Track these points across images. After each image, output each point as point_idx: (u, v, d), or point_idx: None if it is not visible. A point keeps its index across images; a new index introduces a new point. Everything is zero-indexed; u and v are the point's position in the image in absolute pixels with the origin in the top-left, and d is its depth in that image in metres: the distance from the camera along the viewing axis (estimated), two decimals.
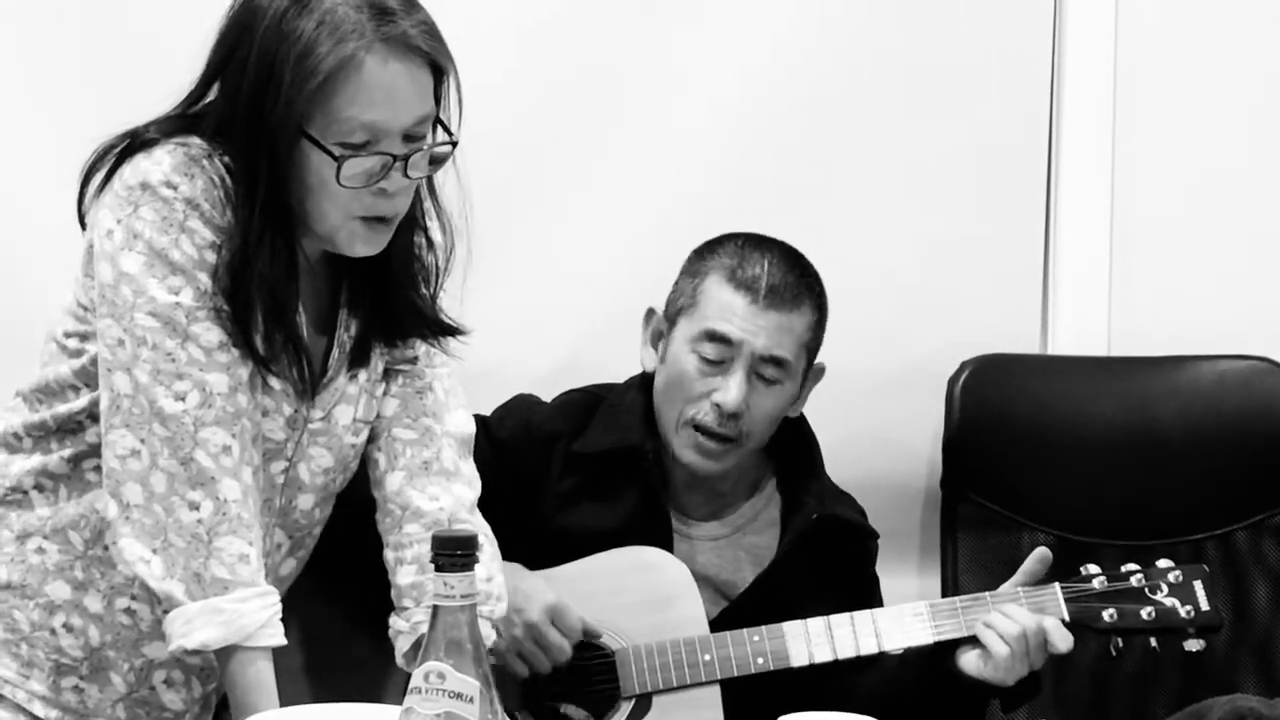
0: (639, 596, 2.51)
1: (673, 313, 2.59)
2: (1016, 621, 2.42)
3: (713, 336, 2.53)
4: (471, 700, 1.59)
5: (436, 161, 2.09)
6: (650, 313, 2.64)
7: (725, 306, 2.53)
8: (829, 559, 2.61)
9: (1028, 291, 3.13)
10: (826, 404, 2.73)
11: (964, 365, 3.04)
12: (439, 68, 2.06)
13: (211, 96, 2.08)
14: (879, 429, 3.08)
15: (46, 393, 2.14)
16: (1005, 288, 3.12)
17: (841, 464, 2.75)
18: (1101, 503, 2.99)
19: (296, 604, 2.11)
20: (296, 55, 1.98)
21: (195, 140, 2.05)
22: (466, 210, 2.18)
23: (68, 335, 2.13)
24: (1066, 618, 2.46)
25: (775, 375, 2.54)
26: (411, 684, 1.61)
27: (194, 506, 2.01)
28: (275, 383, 2.10)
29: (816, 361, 2.63)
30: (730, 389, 2.52)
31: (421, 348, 2.25)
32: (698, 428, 2.54)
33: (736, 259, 2.55)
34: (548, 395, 2.71)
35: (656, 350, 2.62)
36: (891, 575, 2.79)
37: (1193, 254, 3.15)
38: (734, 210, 2.74)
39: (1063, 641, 2.42)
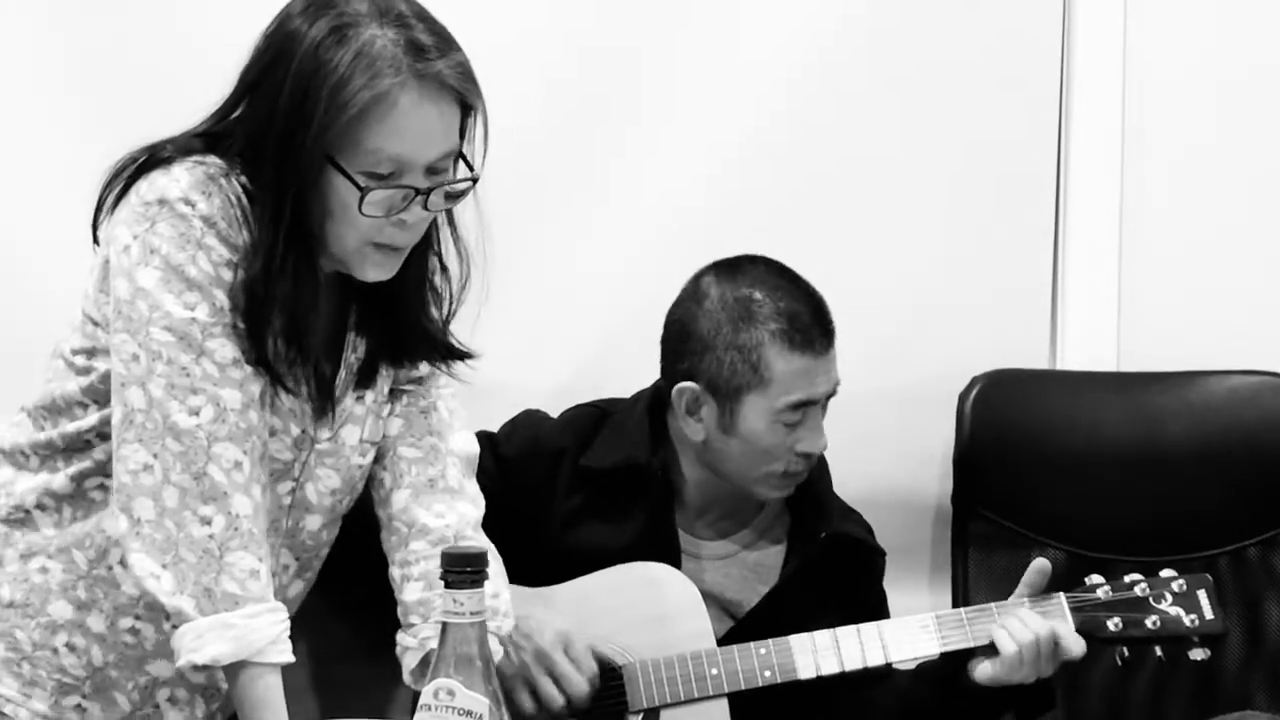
0: (645, 612, 2.51)
1: (731, 388, 2.53)
2: (1029, 627, 2.42)
3: (800, 405, 2.53)
4: (481, 718, 1.59)
5: (455, 196, 2.10)
6: (681, 391, 2.56)
7: (801, 373, 2.52)
8: (836, 577, 2.61)
9: (1037, 307, 3.13)
10: (837, 419, 2.72)
11: (974, 381, 3.04)
12: (467, 105, 2.06)
13: (237, 115, 2.08)
14: (889, 444, 3.07)
15: (53, 410, 2.14)
16: (1015, 303, 3.12)
17: (852, 479, 2.74)
18: (1112, 518, 2.98)
19: (302, 622, 2.10)
20: (331, 86, 1.98)
21: (213, 159, 2.06)
22: (484, 241, 2.17)
23: (75, 352, 2.12)
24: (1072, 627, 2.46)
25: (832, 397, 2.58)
26: (421, 701, 1.62)
27: (206, 521, 2.01)
28: (285, 401, 2.11)
29: None
30: (820, 438, 2.55)
31: (427, 368, 2.25)
32: (791, 475, 2.56)
33: (782, 319, 2.52)
34: (555, 411, 2.71)
35: (697, 419, 2.57)
36: (902, 591, 2.79)
37: (1202, 269, 3.15)
38: (739, 227, 2.74)
39: (1075, 645, 2.42)
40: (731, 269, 2.58)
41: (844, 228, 3.06)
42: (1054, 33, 3.12)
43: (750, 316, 2.53)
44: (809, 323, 2.52)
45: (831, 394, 2.56)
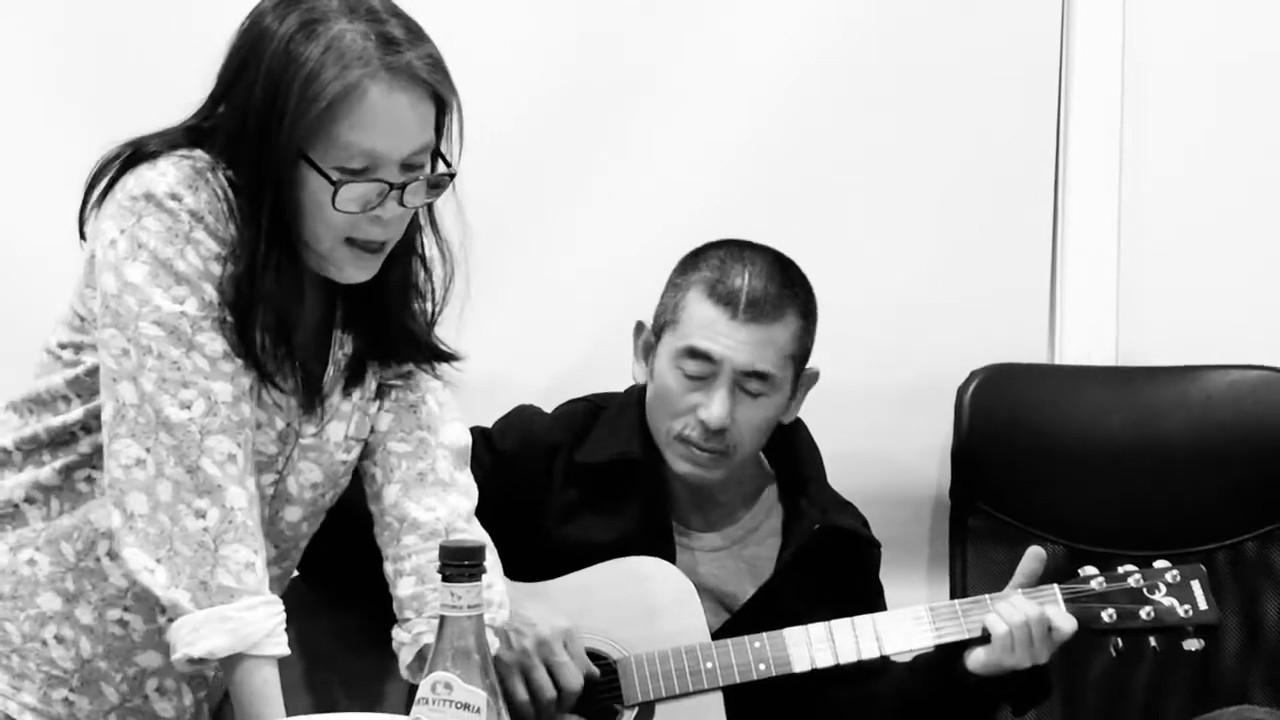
0: (638, 606, 2.51)
1: (658, 326, 2.58)
2: (1019, 609, 2.42)
3: (694, 353, 2.51)
4: (479, 711, 1.59)
5: (433, 191, 2.09)
6: (640, 326, 2.63)
7: (705, 323, 2.51)
8: (830, 569, 2.61)
9: (1036, 301, 3.13)
10: (835, 414, 2.73)
11: (973, 375, 3.04)
12: (441, 99, 2.06)
13: (216, 114, 2.08)
14: (888, 439, 3.07)
15: (38, 403, 2.14)
16: (1013, 297, 3.12)
17: (850, 474, 2.74)
18: (1110, 513, 2.98)
19: (295, 617, 2.09)
20: (302, 80, 1.98)
21: (199, 153, 2.06)
22: (466, 241, 2.18)
23: (63, 346, 2.12)
24: None
25: (759, 389, 2.53)
26: (419, 694, 1.61)
27: (200, 514, 2.00)
28: (270, 396, 2.10)
29: (810, 367, 2.61)
30: (713, 406, 2.50)
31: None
32: (686, 441, 2.54)
33: (717, 272, 2.53)
34: (549, 406, 2.71)
35: (647, 363, 2.60)
36: (900, 585, 2.78)
37: (1201, 263, 3.15)
38: (736, 222, 2.73)
39: (1066, 623, 2.42)
40: (742, 243, 2.59)
41: (844, 223, 3.06)
42: (1053, 29, 3.12)
43: (695, 262, 2.57)
44: (739, 287, 2.51)
45: (741, 371, 2.50)
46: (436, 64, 2.05)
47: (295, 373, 2.10)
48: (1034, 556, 2.50)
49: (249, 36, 2.04)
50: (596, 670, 2.44)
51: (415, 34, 2.05)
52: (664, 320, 2.57)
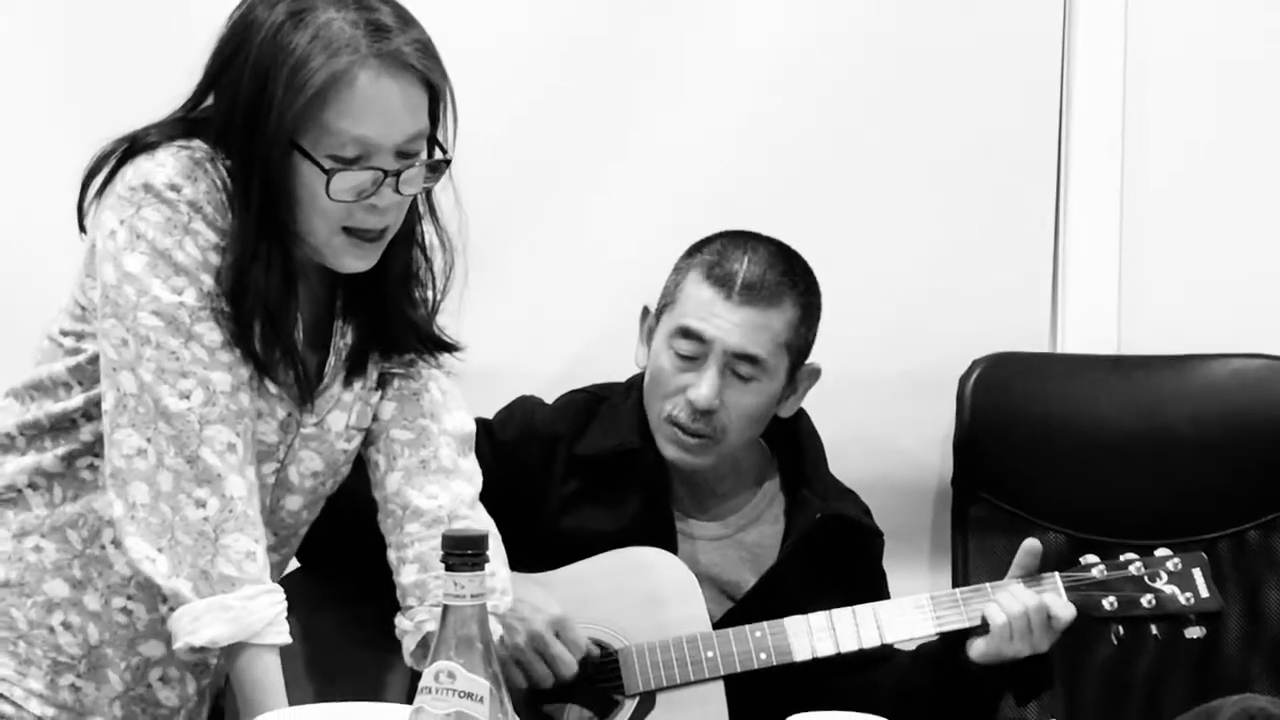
0: (639, 596, 2.51)
1: (659, 309, 2.60)
2: (1019, 599, 2.42)
3: (686, 333, 2.52)
4: (481, 700, 1.58)
5: (431, 177, 2.09)
6: (645, 311, 2.64)
7: (700, 303, 2.52)
8: (833, 558, 2.61)
9: (1038, 290, 3.13)
10: (837, 403, 2.73)
11: (975, 364, 3.04)
12: (433, 86, 2.06)
13: (208, 104, 2.09)
14: (890, 428, 3.07)
15: (39, 389, 2.15)
16: (1015, 286, 3.12)
17: (852, 463, 2.74)
18: (1112, 502, 2.98)
19: (297, 605, 2.10)
20: (290, 68, 1.99)
21: (198, 143, 2.06)
22: (463, 228, 2.18)
23: (64, 333, 2.13)
24: None
25: (750, 373, 2.53)
26: (422, 683, 1.61)
27: (200, 504, 2.01)
28: (271, 386, 2.11)
29: (811, 362, 2.61)
30: (701, 386, 2.51)
31: None
32: (674, 423, 2.54)
33: (717, 255, 2.55)
34: (550, 398, 2.71)
35: (649, 348, 2.61)
36: (902, 574, 2.78)
37: (1203, 252, 3.15)
38: (738, 212, 2.73)
39: (1064, 610, 2.42)
40: (749, 233, 2.59)
41: (846, 212, 3.06)
42: (1055, 19, 3.12)
43: (700, 247, 2.59)
44: (735, 270, 2.52)
45: (732, 353, 2.51)
46: (427, 50, 2.05)
47: (292, 365, 2.10)
48: (1028, 551, 2.49)
49: (238, 27, 2.05)
50: (596, 650, 2.45)
51: (405, 21, 2.05)
52: (664, 302, 2.59)
